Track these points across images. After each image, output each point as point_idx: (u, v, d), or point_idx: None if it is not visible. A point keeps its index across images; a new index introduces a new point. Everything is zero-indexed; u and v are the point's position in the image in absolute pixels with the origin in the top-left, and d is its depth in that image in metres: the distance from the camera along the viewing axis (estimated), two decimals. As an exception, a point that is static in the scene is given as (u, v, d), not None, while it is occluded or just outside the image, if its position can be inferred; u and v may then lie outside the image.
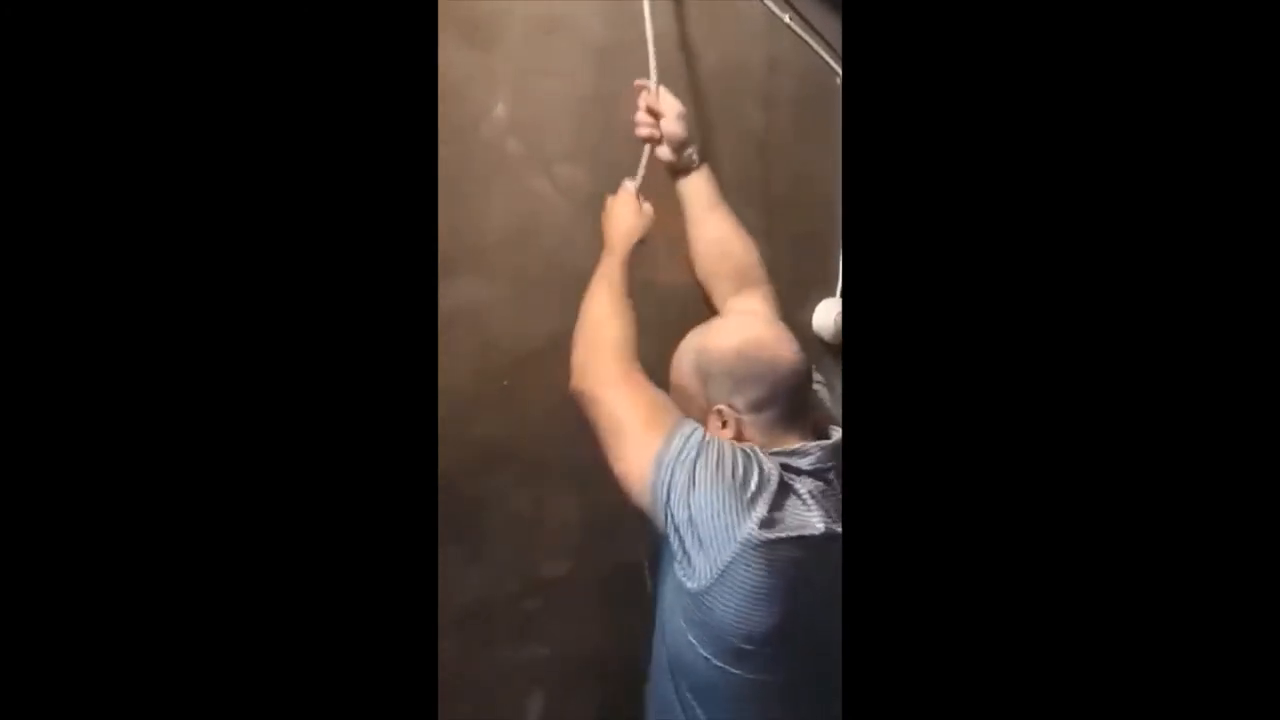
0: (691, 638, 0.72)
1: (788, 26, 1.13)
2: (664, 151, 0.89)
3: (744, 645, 0.69)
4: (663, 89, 0.89)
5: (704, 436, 0.72)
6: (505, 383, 1.04)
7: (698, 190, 0.91)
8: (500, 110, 0.99)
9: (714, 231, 0.91)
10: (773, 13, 1.11)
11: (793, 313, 1.24)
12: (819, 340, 1.26)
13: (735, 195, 1.15)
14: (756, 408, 0.76)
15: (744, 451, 0.72)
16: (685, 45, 1.07)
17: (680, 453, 0.69)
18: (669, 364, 0.84)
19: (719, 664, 0.71)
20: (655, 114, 0.88)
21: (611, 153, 1.03)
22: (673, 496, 0.68)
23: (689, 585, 0.69)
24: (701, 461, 0.69)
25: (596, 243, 1.05)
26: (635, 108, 0.89)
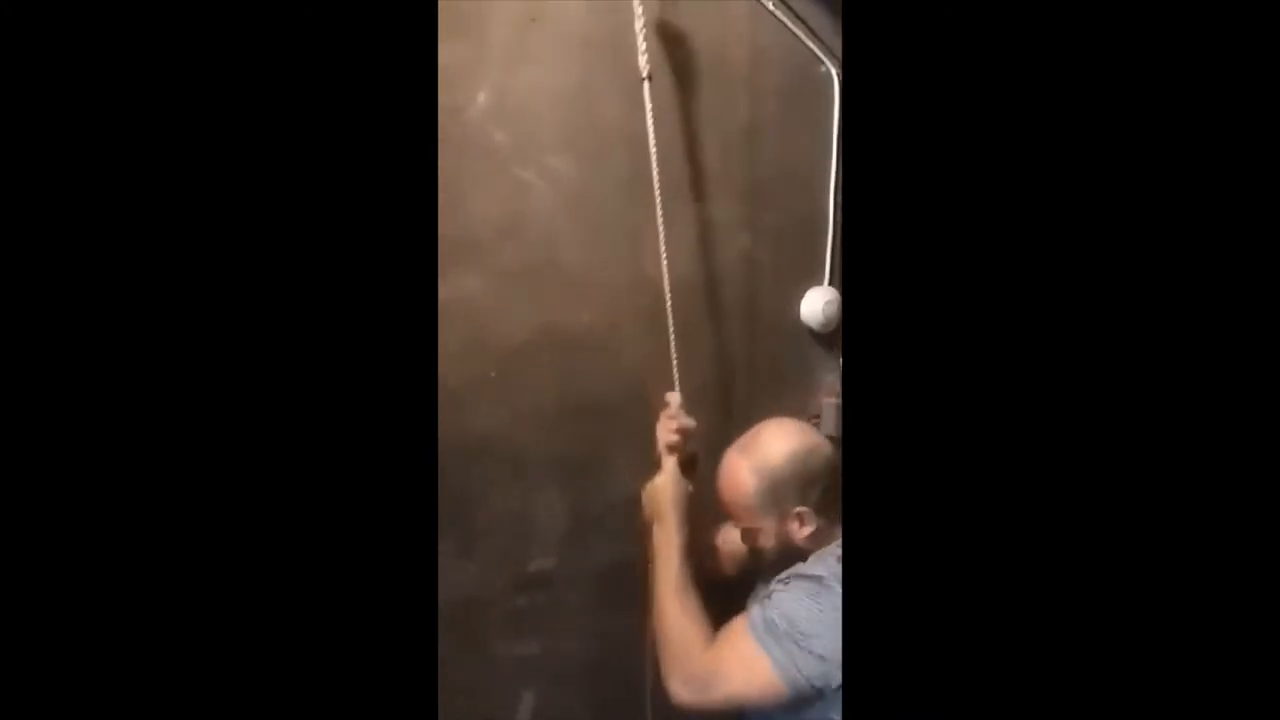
0: None
1: (772, 14, 1.12)
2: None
3: None
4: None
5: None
6: (493, 375, 1.02)
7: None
8: (483, 99, 0.97)
9: None
10: (758, 2, 1.11)
11: (780, 301, 1.24)
12: (808, 330, 1.25)
13: (722, 185, 1.14)
14: (823, 495, 0.92)
15: (812, 581, 0.85)
16: (669, 33, 1.06)
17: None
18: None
19: None
20: (682, 431, 0.99)
21: (596, 144, 1.02)
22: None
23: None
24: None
25: (584, 235, 1.04)
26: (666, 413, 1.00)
